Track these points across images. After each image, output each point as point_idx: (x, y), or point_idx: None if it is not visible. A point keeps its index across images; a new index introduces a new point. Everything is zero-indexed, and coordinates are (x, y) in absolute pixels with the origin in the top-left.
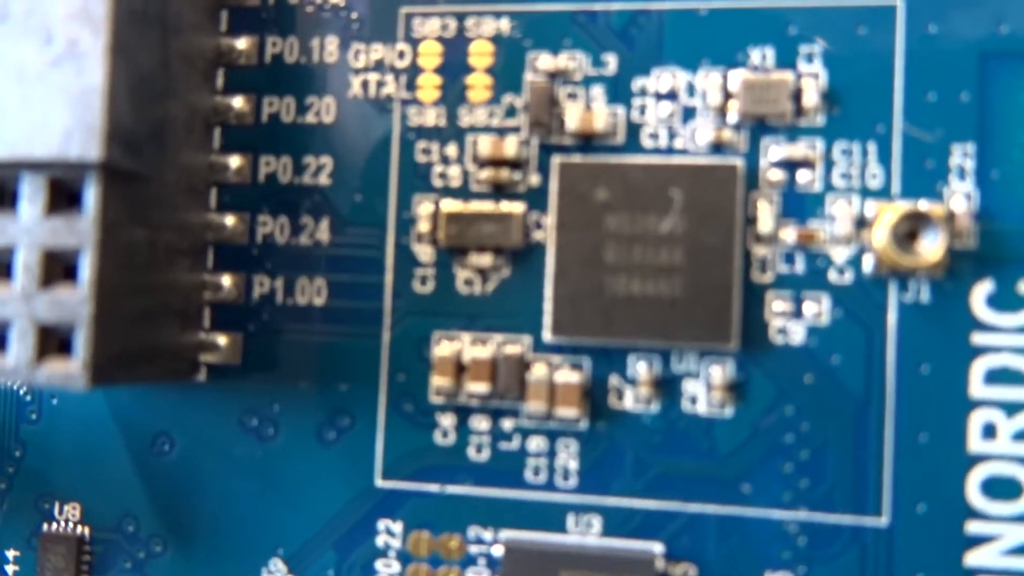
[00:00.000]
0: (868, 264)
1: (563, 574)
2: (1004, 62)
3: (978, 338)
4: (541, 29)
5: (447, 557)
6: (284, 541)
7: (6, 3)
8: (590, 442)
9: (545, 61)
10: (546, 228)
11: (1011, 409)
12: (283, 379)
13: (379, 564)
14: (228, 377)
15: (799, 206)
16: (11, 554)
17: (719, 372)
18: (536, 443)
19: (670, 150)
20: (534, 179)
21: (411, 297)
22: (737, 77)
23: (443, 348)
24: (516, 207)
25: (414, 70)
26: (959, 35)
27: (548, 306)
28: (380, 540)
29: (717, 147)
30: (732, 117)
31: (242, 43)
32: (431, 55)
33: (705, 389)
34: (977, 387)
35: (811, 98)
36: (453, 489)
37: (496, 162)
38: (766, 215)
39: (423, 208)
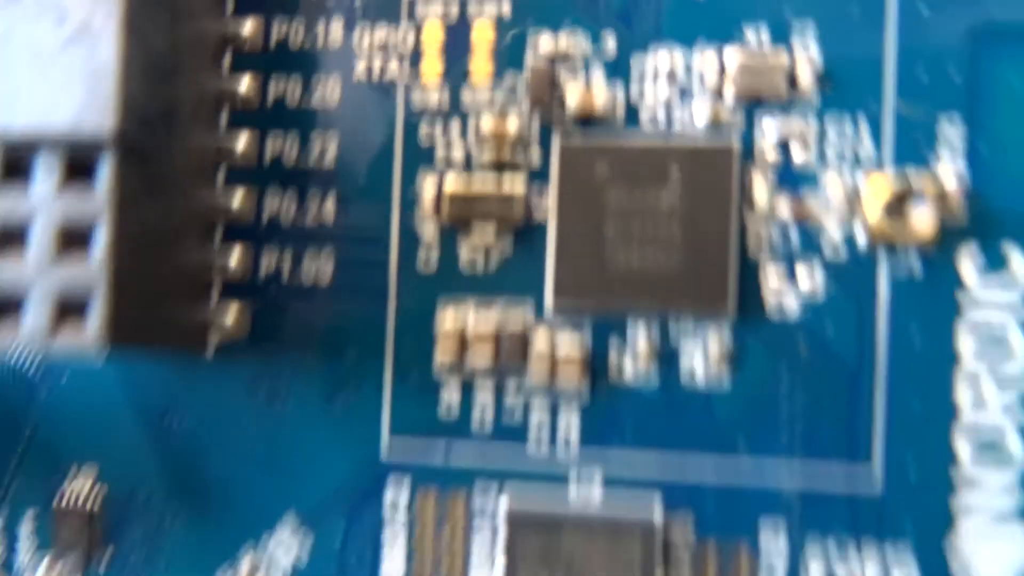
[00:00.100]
0: (861, 237)
1: (567, 531)
2: (993, 42)
3: (966, 307)
4: (541, 10)
5: (452, 521)
6: (294, 505)
7: None
8: (591, 408)
9: (546, 42)
10: (547, 204)
11: (997, 375)
12: (290, 351)
13: (386, 529)
14: (236, 351)
15: (793, 180)
16: (25, 526)
17: (716, 341)
18: (539, 410)
19: (668, 127)
20: (535, 157)
21: (415, 272)
22: (733, 55)
23: (447, 321)
24: (518, 184)
25: (417, 52)
26: (950, 15)
27: (549, 279)
28: (387, 503)
29: (714, 124)
30: (728, 95)
31: (248, 26)
32: (434, 37)
33: (702, 357)
34: (966, 355)
35: (805, 75)
36: (457, 456)
37: (498, 141)
38: (761, 189)
39: (427, 186)
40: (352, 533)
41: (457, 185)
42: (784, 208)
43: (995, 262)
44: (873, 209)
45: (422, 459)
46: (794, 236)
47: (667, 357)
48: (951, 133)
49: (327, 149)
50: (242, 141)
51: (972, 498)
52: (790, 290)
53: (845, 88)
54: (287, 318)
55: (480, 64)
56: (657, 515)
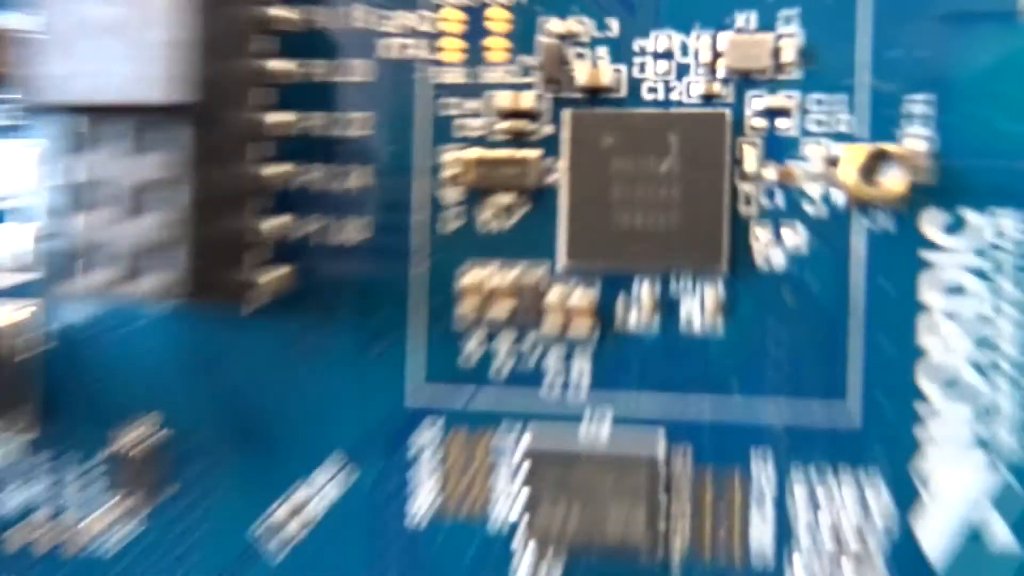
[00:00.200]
0: (839, 198)
1: (580, 464)
2: (960, 23)
3: (931, 261)
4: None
5: (478, 458)
6: (339, 445)
7: None
8: (600, 355)
9: (555, 25)
10: (559, 171)
11: (956, 316)
12: (328, 308)
13: (422, 465)
14: (281, 306)
15: (779, 149)
16: (96, 469)
17: (711, 293)
18: (554, 357)
19: (667, 102)
20: (548, 128)
21: (440, 234)
22: (725, 38)
23: (469, 278)
24: (532, 153)
25: (438, 35)
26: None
27: (562, 239)
28: (420, 443)
29: (708, 98)
30: (721, 72)
31: (284, 11)
32: (454, 21)
33: (699, 308)
34: (931, 303)
35: (789, 55)
36: (481, 401)
37: (514, 114)
38: (750, 157)
39: (450, 156)
40: (392, 463)
41: (477, 153)
42: (771, 173)
43: (956, 222)
44: (849, 173)
45: (449, 404)
46: (780, 198)
47: (668, 308)
48: (921, 104)
49: (358, 123)
50: (287, 116)
51: (937, 429)
52: (777, 247)
53: (825, 66)
54: (324, 277)
55: (496, 45)
56: (660, 449)
